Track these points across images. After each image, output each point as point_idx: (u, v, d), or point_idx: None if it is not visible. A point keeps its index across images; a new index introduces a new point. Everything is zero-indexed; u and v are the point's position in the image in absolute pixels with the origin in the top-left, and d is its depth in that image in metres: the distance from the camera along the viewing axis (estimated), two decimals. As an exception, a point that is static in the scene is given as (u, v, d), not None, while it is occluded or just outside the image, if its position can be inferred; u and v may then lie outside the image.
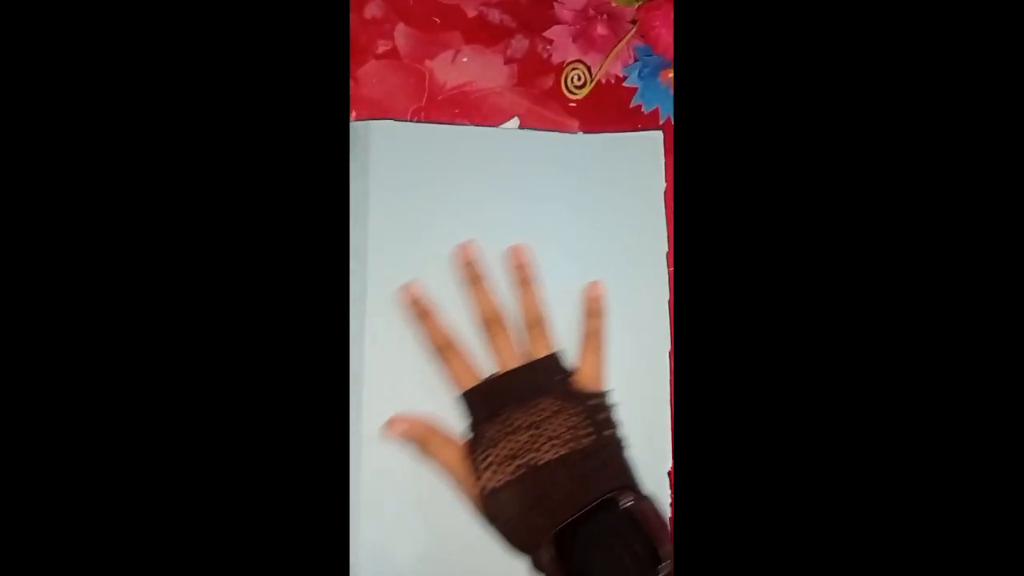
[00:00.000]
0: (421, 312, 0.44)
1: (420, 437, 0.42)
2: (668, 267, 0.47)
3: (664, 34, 0.46)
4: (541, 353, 0.43)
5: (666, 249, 0.47)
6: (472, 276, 0.44)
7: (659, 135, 0.48)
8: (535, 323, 0.43)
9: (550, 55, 0.49)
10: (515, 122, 0.48)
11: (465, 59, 0.49)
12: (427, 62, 0.48)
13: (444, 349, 0.43)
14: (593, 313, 0.45)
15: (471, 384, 0.42)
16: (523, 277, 0.44)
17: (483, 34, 0.49)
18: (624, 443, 0.42)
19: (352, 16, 0.48)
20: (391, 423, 0.42)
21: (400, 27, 0.49)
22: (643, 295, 0.46)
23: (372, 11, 0.49)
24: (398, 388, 0.44)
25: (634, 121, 0.49)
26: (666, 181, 0.48)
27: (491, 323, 0.43)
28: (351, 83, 0.47)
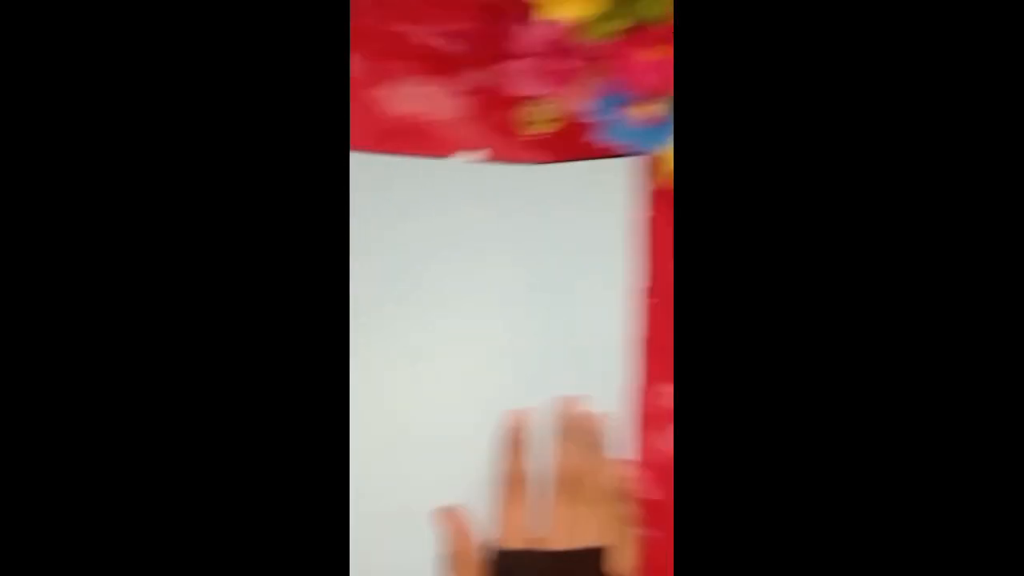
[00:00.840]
0: (514, 442, 0.42)
1: (457, 545, 0.41)
2: (647, 299, 0.45)
3: (635, 69, 0.44)
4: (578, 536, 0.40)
5: (641, 281, 0.45)
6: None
7: (623, 163, 0.46)
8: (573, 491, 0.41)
9: (504, 88, 0.47)
10: (477, 155, 0.46)
11: (416, 89, 0.46)
12: (375, 90, 0.46)
13: (512, 487, 0.41)
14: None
15: (512, 542, 0.40)
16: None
17: (436, 64, 0.47)
18: None
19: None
20: (440, 515, 0.42)
21: (354, 56, 0.46)
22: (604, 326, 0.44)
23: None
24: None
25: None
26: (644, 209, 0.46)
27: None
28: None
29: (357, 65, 0.46)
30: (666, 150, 0.44)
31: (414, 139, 0.45)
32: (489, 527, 0.42)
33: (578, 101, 0.47)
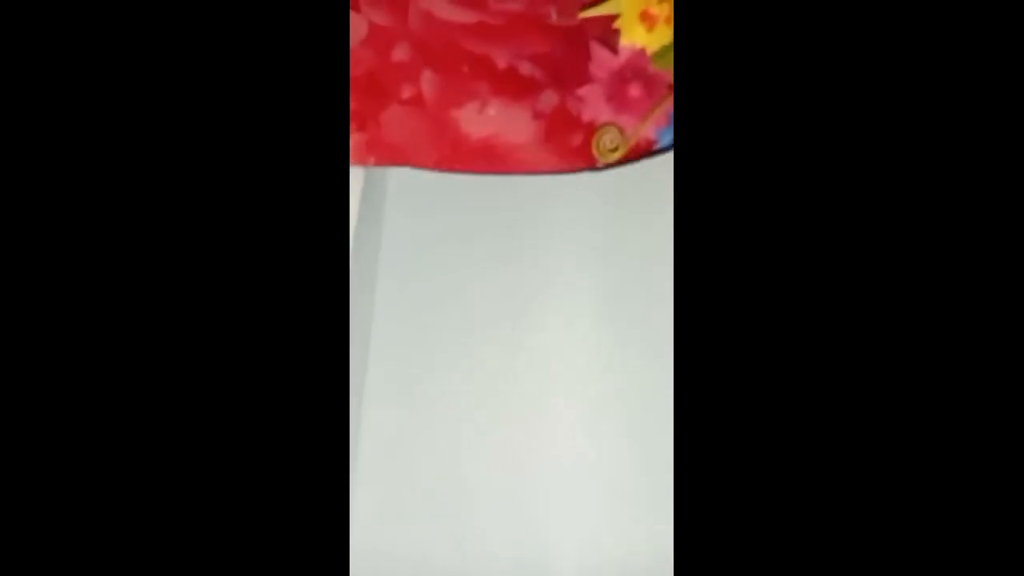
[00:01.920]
0: None
1: None
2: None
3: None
4: None
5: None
6: None
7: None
8: None
9: (580, 113, 0.47)
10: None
11: (492, 111, 0.47)
12: (453, 111, 0.46)
13: None
14: None
15: None
16: None
17: (512, 86, 0.47)
18: None
19: (378, 58, 0.46)
20: None
21: (427, 73, 0.47)
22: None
23: (399, 54, 0.47)
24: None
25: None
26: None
27: None
28: (374, 126, 0.45)
29: (433, 85, 0.46)
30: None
31: (488, 159, 0.46)
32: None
33: (649, 127, 0.46)
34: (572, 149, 0.46)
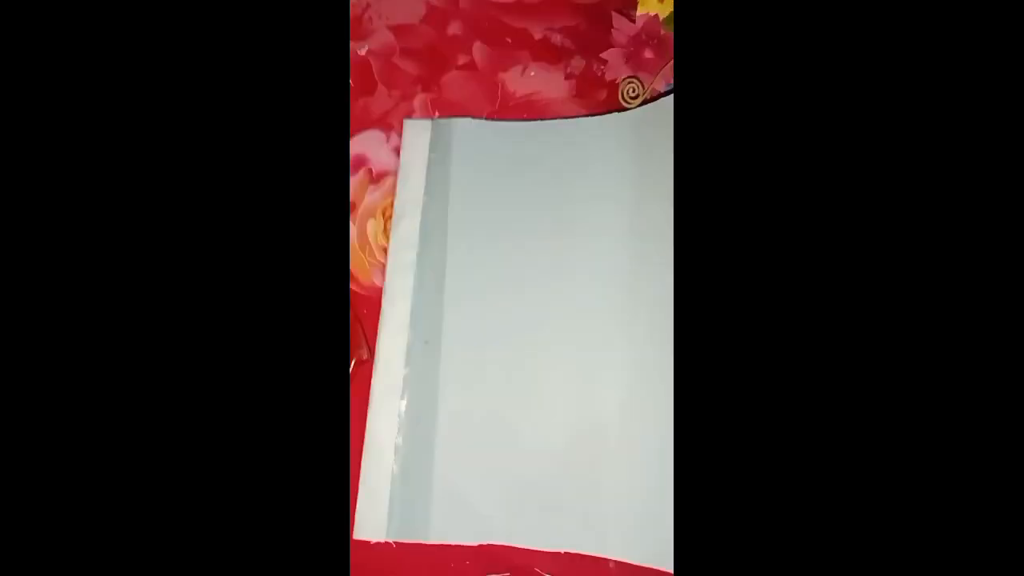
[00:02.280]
0: None
1: None
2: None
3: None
4: None
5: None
6: None
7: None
8: None
9: (604, 73, 0.57)
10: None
11: (532, 73, 0.56)
12: (500, 74, 0.56)
13: None
14: None
15: None
16: None
17: (547, 53, 0.57)
18: None
19: (436, 33, 0.56)
20: None
21: (478, 44, 0.57)
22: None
23: (454, 29, 0.57)
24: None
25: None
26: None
27: None
28: (436, 88, 0.55)
29: (483, 53, 0.56)
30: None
31: (530, 111, 0.55)
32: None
33: (660, 81, 0.56)
34: (599, 102, 0.56)
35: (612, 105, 0.56)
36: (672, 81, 0.56)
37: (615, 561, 0.45)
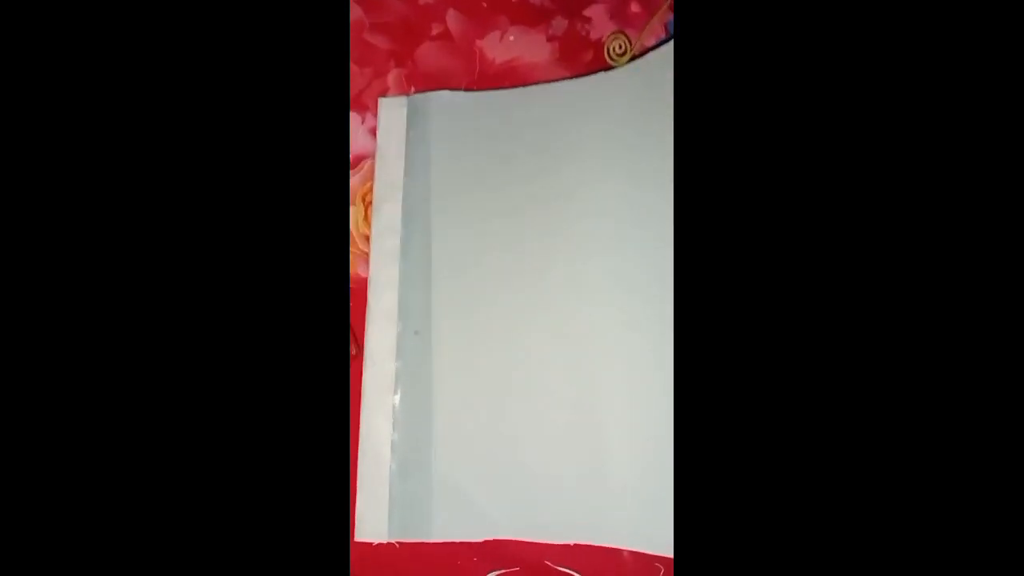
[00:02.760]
0: None
1: None
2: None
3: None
4: None
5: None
6: None
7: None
8: None
9: (588, 32, 0.53)
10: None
11: (511, 38, 0.53)
12: (477, 41, 0.53)
13: None
14: None
15: None
16: None
17: (526, 15, 0.54)
18: None
19: (406, 3, 0.53)
20: None
21: (451, 11, 0.53)
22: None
23: (425, -1, 0.53)
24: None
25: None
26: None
27: None
28: (411, 62, 0.52)
29: (457, 21, 0.53)
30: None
31: (511, 78, 0.52)
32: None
33: (648, 36, 0.53)
34: (585, 63, 0.53)
35: (598, 66, 0.52)
36: (662, 35, 0.53)
37: (629, 551, 0.43)
